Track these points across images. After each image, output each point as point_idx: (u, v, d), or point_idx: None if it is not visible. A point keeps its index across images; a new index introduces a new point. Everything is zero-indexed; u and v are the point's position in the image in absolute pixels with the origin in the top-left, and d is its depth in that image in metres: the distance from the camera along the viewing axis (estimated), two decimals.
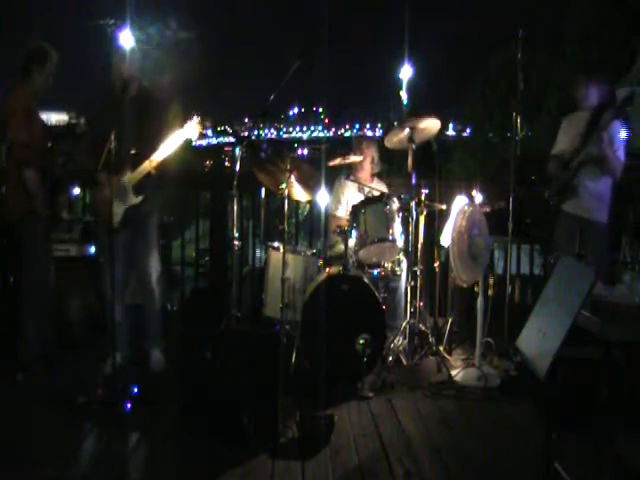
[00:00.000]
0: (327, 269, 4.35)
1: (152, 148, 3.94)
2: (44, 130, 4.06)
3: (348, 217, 4.54)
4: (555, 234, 4.53)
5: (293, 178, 4.10)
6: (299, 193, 4.37)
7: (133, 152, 3.90)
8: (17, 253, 4.10)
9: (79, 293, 4.84)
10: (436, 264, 4.96)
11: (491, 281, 4.38)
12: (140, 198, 4.01)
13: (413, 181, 4.46)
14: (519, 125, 4.64)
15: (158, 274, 4.16)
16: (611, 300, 2.76)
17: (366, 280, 4.19)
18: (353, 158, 4.78)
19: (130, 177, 3.94)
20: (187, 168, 6.01)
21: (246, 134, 4.26)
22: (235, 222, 4.34)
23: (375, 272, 4.54)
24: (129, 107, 3.90)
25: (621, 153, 4.21)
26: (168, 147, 3.94)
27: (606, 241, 4.36)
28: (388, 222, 4.40)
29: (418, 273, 4.58)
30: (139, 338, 4.18)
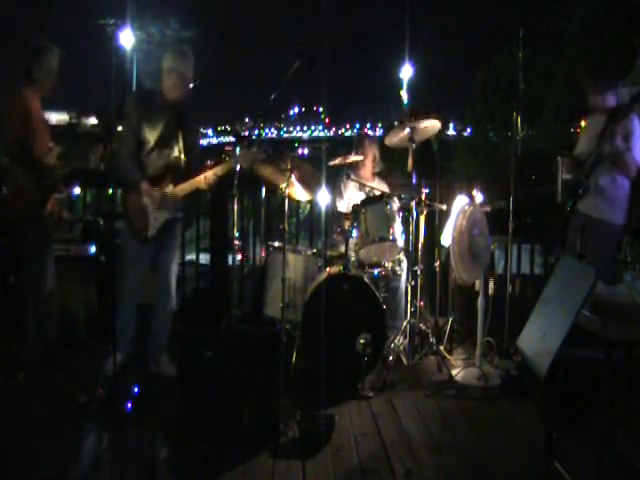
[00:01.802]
0: (328, 269, 4.35)
1: (193, 159, 3.97)
2: (46, 130, 4.06)
3: (349, 215, 4.54)
4: (568, 234, 4.47)
5: (294, 178, 4.10)
6: (300, 193, 4.37)
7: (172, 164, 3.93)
8: (17, 252, 4.10)
9: (79, 293, 4.83)
10: (436, 264, 4.96)
11: (491, 281, 4.37)
12: (180, 214, 4.06)
13: (413, 181, 4.46)
14: (519, 125, 4.63)
15: (175, 277, 4.17)
16: (612, 299, 2.76)
17: (367, 280, 4.18)
18: (353, 158, 4.78)
19: (177, 189, 3.93)
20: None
21: (246, 133, 4.26)
22: (235, 222, 4.34)
23: (375, 272, 4.54)
24: (166, 115, 3.90)
25: (636, 152, 4.12)
26: (224, 168, 3.90)
27: (613, 242, 4.31)
28: (389, 222, 4.40)
29: (418, 273, 4.58)
30: (143, 337, 4.17)
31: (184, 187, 3.94)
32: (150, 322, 4.12)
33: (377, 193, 4.66)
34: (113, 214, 4.80)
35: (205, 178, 3.91)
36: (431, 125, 4.53)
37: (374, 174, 5.12)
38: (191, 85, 3.95)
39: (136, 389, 3.64)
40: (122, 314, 3.87)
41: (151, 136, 3.86)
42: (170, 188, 3.92)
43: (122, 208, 3.97)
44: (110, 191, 4.67)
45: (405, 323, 4.48)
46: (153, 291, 4.16)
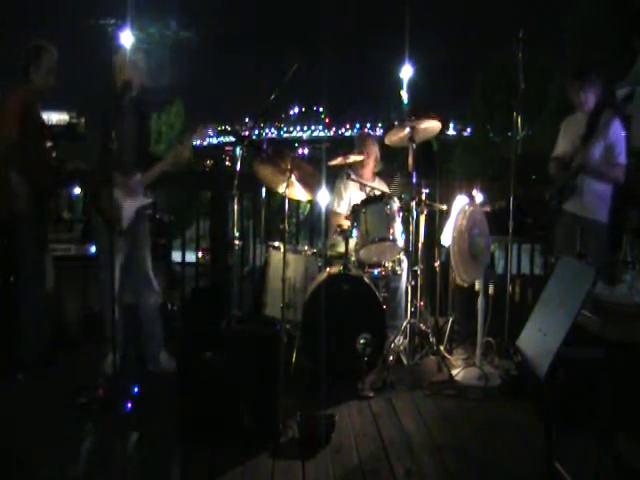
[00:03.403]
0: (327, 269, 4.35)
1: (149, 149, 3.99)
2: (42, 130, 4.05)
3: (349, 214, 4.55)
4: (556, 234, 4.52)
5: (294, 178, 4.11)
6: (300, 193, 4.37)
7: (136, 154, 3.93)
8: (15, 253, 4.10)
9: (79, 293, 4.83)
10: (436, 264, 4.96)
11: (491, 286, 4.36)
12: (150, 199, 4.08)
13: (413, 181, 4.46)
14: (519, 125, 4.63)
15: (151, 270, 4.18)
16: (611, 300, 2.76)
17: (367, 280, 4.18)
18: (354, 158, 4.78)
19: (144, 177, 3.98)
20: (188, 168, 6.03)
21: (247, 134, 4.27)
22: (236, 222, 4.35)
23: (376, 272, 4.54)
24: (131, 108, 3.92)
25: (622, 158, 4.18)
26: (184, 148, 4.04)
27: (606, 240, 4.35)
28: (389, 222, 4.40)
29: (418, 273, 4.58)
30: (140, 337, 4.17)
31: (152, 173, 4.01)
32: (141, 321, 4.12)
33: (377, 193, 4.66)
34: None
35: (169, 158, 4.04)
36: (431, 126, 4.53)
37: (374, 174, 5.12)
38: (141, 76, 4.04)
39: (136, 389, 3.64)
40: (111, 314, 3.86)
41: (119, 129, 3.86)
42: (138, 177, 3.98)
43: (91, 204, 3.99)
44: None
45: (405, 323, 4.48)
46: (134, 289, 4.16)
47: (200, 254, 5.54)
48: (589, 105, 4.30)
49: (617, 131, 4.17)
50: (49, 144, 4.05)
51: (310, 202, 5.27)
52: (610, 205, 4.31)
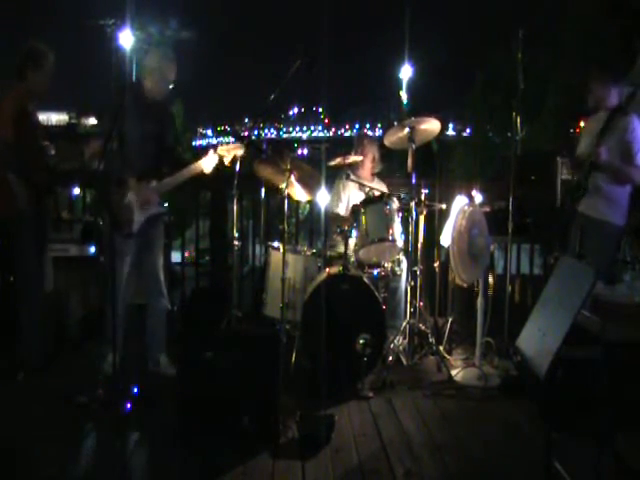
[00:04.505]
0: (327, 269, 4.35)
1: (172, 156, 4.00)
2: (38, 131, 4.05)
3: (349, 215, 4.55)
4: (570, 235, 4.43)
5: (293, 178, 4.11)
6: (299, 193, 4.37)
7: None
8: (13, 252, 4.10)
9: (79, 293, 4.83)
10: (436, 264, 4.96)
11: (491, 280, 4.36)
12: (164, 208, 4.07)
13: (413, 181, 4.47)
14: (519, 125, 4.63)
15: (163, 274, 4.17)
16: (611, 300, 2.77)
17: (366, 280, 4.19)
18: (353, 158, 4.78)
19: (161, 185, 3.96)
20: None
21: (246, 134, 4.27)
22: (235, 222, 4.35)
23: (375, 272, 4.54)
24: (142, 111, 3.91)
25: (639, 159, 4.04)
26: (207, 164, 3.99)
27: (613, 242, 4.28)
28: (388, 222, 4.40)
29: (418, 273, 4.58)
30: (141, 338, 4.17)
31: (170, 182, 3.98)
32: (145, 322, 4.13)
33: (377, 193, 4.66)
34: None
35: (189, 171, 3.98)
36: (431, 127, 4.54)
37: (374, 174, 5.13)
38: (171, 86, 4.00)
39: (136, 389, 3.64)
40: (112, 314, 3.86)
41: (136, 133, 3.86)
42: (154, 183, 3.95)
43: (102, 204, 3.97)
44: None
45: (405, 323, 4.48)
46: (143, 291, 4.16)
47: (187, 254, 5.55)
48: (611, 102, 4.21)
49: (636, 131, 4.09)
50: (46, 143, 4.04)
51: (310, 202, 5.28)
52: (627, 208, 4.21)
